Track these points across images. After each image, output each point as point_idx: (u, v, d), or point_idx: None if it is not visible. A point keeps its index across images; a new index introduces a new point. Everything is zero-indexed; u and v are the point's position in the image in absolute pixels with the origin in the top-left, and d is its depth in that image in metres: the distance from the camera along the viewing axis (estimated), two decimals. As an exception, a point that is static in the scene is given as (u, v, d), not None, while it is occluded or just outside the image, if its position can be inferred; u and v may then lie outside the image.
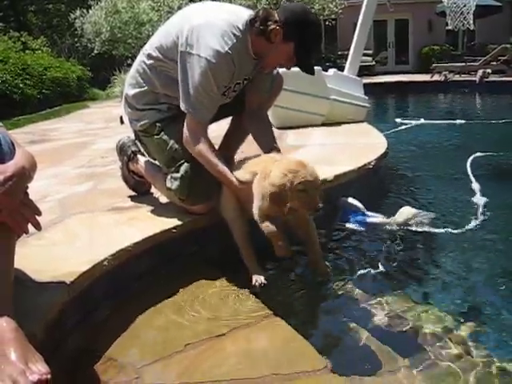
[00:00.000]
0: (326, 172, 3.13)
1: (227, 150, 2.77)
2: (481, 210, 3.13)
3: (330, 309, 2.03)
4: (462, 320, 1.85)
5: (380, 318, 1.90)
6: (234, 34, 2.22)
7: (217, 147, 2.56)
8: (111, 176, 3.56)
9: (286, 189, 1.88)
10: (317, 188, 1.90)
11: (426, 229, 2.76)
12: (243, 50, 2.27)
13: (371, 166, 3.47)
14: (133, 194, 2.98)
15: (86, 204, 2.89)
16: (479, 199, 3.35)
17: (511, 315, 1.90)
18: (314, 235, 2.18)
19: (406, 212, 2.82)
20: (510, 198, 3.53)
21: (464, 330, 1.79)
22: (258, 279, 2.12)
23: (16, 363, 1.24)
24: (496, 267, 2.37)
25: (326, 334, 1.88)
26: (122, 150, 2.90)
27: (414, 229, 2.76)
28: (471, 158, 4.47)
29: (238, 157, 2.82)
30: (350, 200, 2.97)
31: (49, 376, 1.24)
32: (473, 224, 2.87)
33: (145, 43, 2.57)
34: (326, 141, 4.61)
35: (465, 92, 11.87)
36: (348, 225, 2.83)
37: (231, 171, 2.26)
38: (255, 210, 2.08)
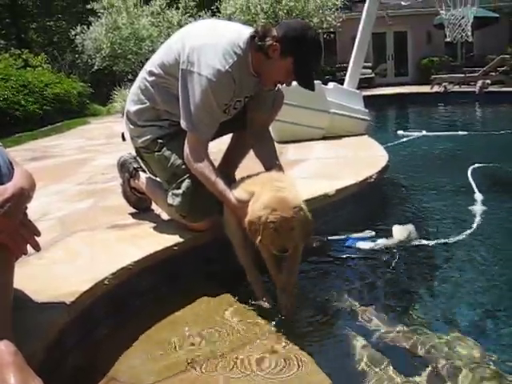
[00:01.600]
0: (327, 186, 3.14)
1: (227, 165, 2.78)
2: (477, 219, 3.15)
3: (333, 327, 2.01)
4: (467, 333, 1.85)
5: (385, 335, 1.88)
6: (235, 52, 2.22)
7: (217, 163, 2.57)
8: (112, 192, 3.55)
9: (259, 222, 1.88)
10: (291, 229, 1.85)
11: (420, 242, 2.75)
12: (244, 67, 2.27)
13: (372, 180, 3.47)
14: (134, 210, 2.98)
15: (87, 221, 2.89)
16: (477, 209, 3.37)
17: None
18: (296, 266, 2.11)
19: (400, 230, 2.78)
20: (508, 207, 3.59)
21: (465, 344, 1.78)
22: (263, 304, 2.10)
23: None
24: (489, 275, 2.40)
25: (328, 353, 1.85)
26: (123, 166, 2.89)
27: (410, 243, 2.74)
28: (470, 169, 4.48)
29: (238, 172, 2.82)
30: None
31: (49, 400, 1.23)
32: (467, 233, 2.89)
33: (146, 59, 2.60)
34: (327, 154, 4.62)
35: (465, 103, 11.90)
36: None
37: (231, 189, 2.25)
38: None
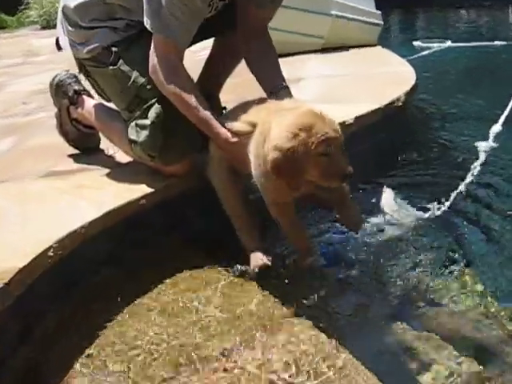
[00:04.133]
0: (340, 113, 2.95)
1: (209, 83, 2.62)
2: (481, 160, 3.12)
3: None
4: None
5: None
6: None
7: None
8: (40, 127, 3.41)
9: (299, 155, 1.73)
10: (341, 147, 1.79)
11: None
12: None
13: (400, 104, 3.35)
14: (75, 151, 2.83)
15: (10, 169, 2.76)
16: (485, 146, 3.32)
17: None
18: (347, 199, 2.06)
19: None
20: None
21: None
22: (259, 260, 2.01)
23: None
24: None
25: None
26: (59, 89, 2.72)
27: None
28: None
29: (226, 98, 2.68)
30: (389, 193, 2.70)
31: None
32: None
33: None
34: (332, 71, 4.46)
35: (493, 5, 11.75)
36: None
37: (222, 118, 2.13)
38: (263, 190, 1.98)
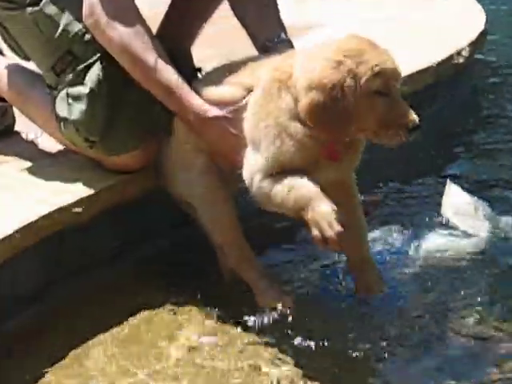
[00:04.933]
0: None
1: (176, 36, 2.60)
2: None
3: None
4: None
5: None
6: None
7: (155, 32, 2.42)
8: None
9: (346, 91, 1.75)
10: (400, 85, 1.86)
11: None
12: None
13: (462, 60, 3.34)
14: None
15: None
16: None
17: None
18: (360, 214, 2.16)
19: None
20: None
21: None
22: (283, 303, 2.03)
23: None
24: None
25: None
26: None
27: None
28: None
29: (202, 54, 2.68)
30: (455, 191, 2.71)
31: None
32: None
33: None
34: (362, 12, 4.41)
35: None
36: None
37: (196, 84, 2.14)
38: (257, 161, 1.95)
